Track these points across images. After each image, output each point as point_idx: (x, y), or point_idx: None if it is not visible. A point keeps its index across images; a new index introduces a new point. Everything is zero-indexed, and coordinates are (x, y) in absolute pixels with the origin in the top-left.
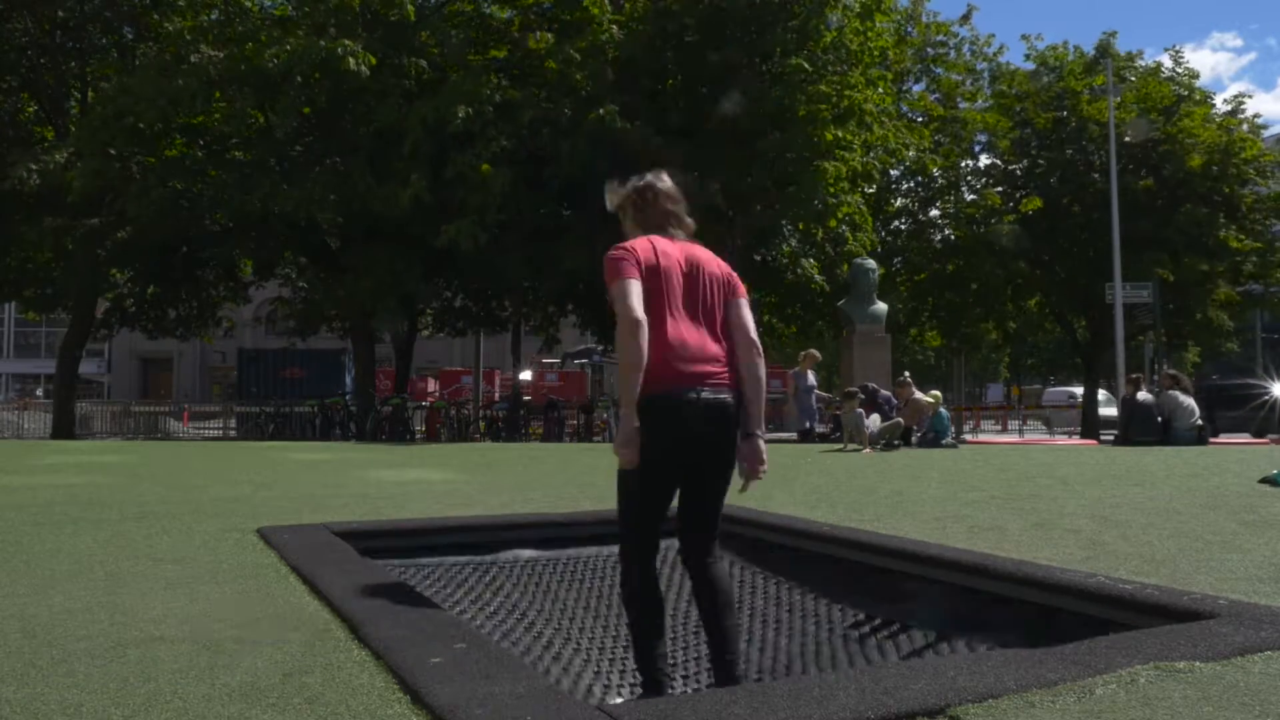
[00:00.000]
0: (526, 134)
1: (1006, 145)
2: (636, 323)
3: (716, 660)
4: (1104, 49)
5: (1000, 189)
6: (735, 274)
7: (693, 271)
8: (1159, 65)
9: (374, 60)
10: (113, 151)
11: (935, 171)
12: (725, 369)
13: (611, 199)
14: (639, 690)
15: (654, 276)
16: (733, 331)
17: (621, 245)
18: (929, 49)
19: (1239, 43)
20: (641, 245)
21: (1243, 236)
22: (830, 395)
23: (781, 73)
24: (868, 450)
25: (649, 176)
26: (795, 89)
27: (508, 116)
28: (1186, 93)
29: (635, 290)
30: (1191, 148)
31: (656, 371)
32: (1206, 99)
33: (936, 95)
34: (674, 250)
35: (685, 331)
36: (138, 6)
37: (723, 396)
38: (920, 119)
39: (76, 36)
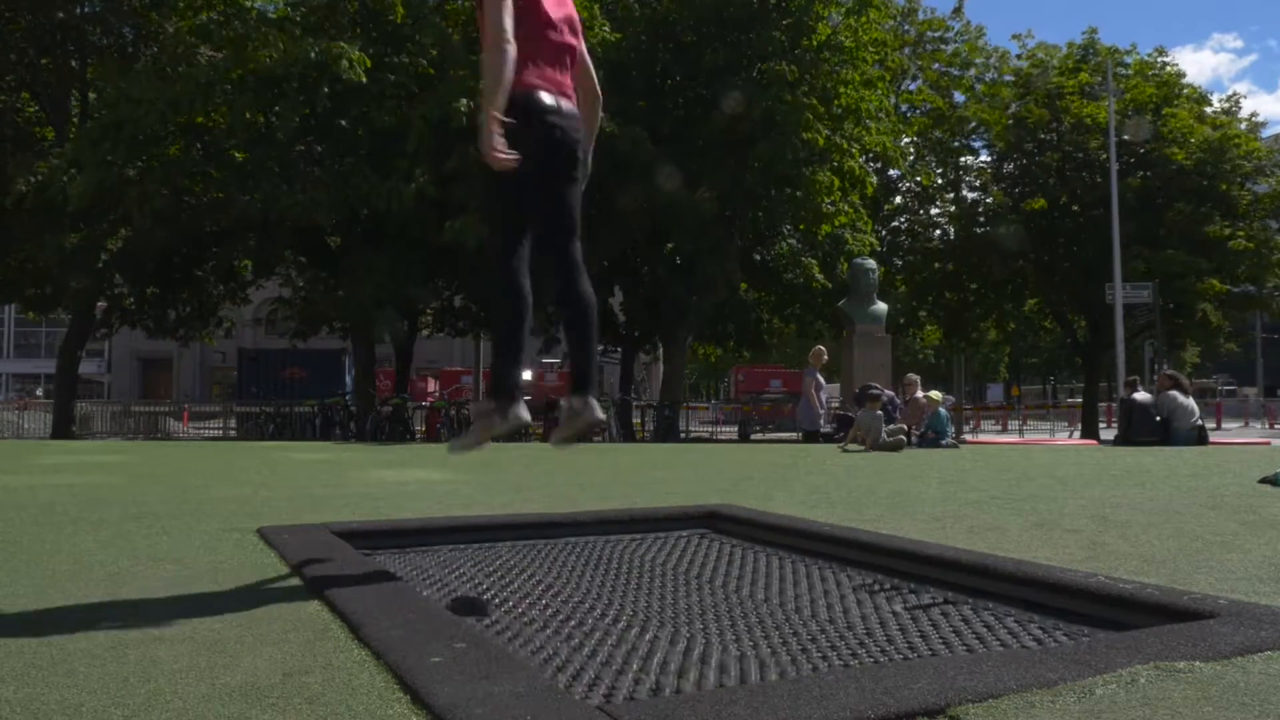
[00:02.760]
0: None
1: (999, 132)
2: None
3: (574, 364)
4: (1089, 47)
5: (1000, 186)
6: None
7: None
8: (1147, 65)
9: (368, 63)
10: (110, 159)
11: (932, 167)
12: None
13: None
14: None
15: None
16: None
17: None
18: (925, 46)
19: (1239, 44)
20: None
21: (1239, 235)
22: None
23: (767, 79)
24: (869, 450)
25: None
26: (781, 91)
27: None
28: (1179, 91)
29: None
30: (1181, 144)
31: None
32: (1204, 96)
33: (929, 87)
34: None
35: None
36: (138, 7)
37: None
38: (917, 111)
39: (77, 37)
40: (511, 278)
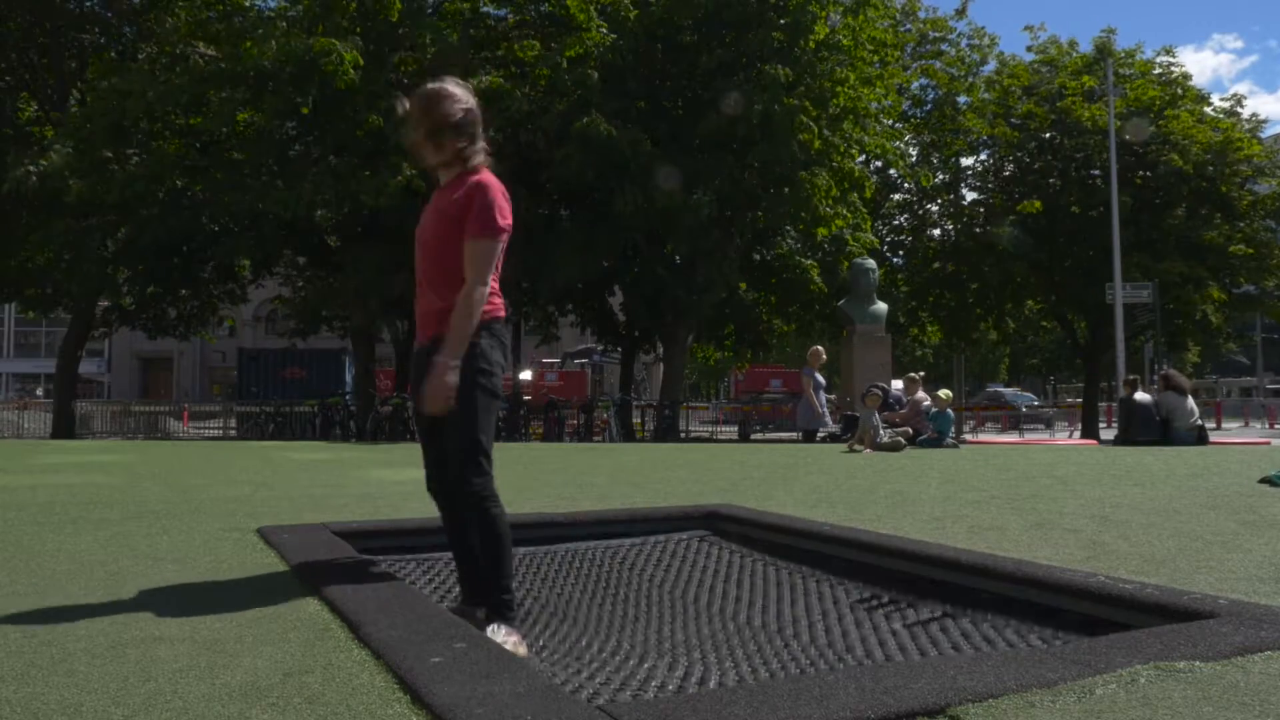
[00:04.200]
0: (512, 130)
1: (1005, 141)
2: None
3: (465, 577)
4: (1103, 48)
5: (999, 187)
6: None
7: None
8: (1150, 65)
9: (361, 61)
10: (96, 143)
11: (932, 168)
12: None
13: (447, 109)
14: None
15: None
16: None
17: (499, 188)
18: (926, 45)
19: (1240, 44)
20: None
21: (1238, 237)
22: (834, 398)
23: (763, 81)
24: (868, 451)
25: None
26: (777, 95)
27: (494, 106)
28: (1182, 91)
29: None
30: (1184, 147)
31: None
32: (1204, 97)
33: (933, 90)
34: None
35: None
36: (137, 6)
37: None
38: (918, 113)
39: (76, 36)
40: (496, 498)
